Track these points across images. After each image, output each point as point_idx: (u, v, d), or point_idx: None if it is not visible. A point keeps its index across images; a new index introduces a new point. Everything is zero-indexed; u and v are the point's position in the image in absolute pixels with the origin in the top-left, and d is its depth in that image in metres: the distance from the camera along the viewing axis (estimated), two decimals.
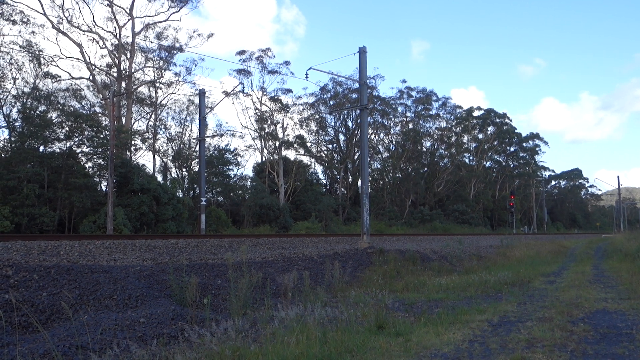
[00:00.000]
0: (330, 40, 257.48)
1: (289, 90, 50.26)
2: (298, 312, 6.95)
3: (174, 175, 42.53)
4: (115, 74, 38.22)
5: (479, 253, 21.04)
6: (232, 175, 44.98)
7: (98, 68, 38.44)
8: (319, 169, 59.40)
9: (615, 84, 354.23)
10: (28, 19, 34.00)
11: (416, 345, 5.67)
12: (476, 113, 70.53)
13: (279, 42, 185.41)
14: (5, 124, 29.50)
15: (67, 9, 39.11)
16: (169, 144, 44.09)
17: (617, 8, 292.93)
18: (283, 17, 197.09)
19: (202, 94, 30.42)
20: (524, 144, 79.63)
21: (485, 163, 74.89)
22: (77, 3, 40.70)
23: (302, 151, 54.98)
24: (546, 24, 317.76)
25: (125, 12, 37.78)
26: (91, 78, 37.97)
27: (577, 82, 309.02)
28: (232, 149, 45.96)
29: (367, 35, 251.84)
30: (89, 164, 31.59)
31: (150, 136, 42.18)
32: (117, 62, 37.94)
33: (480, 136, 72.49)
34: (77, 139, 30.03)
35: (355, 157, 55.94)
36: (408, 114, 63.91)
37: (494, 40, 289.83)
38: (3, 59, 31.75)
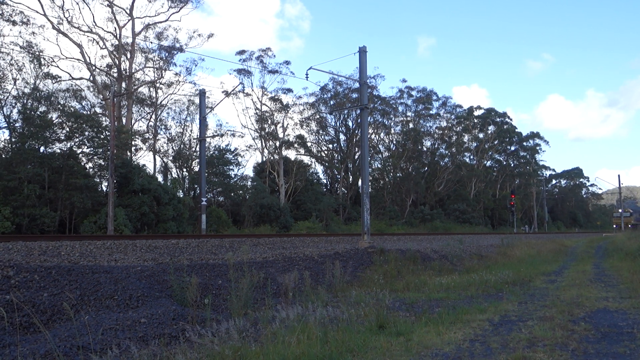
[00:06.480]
0: (335, 36, 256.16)
1: (290, 90, 50.36)
2: (299, 312, 6.95)
3: (174, 175, 42.57)
4: (115, 75, 38.23)
5: (480, 252, 21.01)
6: (233, 175, 45.05)
7: (98, 68, 38.48)
8: (319, 168, 59.45)
9: (622, 81, 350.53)
10: (28, 20, 34.03)
11: (417, 345, 5.67)
12: (477, 112, 70.61)
13: (283, 38, 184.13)
14: (6, 125, 29.53)
15: (67, 10, 39.10)
16: (170, 144, 44.15)
17: (626, 3, 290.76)
18: (287, 12, 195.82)
19: (202, 94, 30.45)
20: (525, 143, 79.67)
21: (485, 162, 74.89)
22: (77, 3, 40.70)
23: (302, 151, 55.02)
24: (555, 18, 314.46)
25: (125, 12, 37.81)
26: (91, 78, 37.98)
27: (584, 78, 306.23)
28: (232, 149, 46.03)
29: (373, 31, 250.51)
30: (90, 164, 31.60)
31: (151, 136, 42.22)
32: (117, 62, 37.95)
33: (481, 135, 72.53)
34: (77, 140, 30.03)
35: (356, 156, 55.92)
36: (408, 114, 63.87)
37: (501, 36, 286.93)
38: (3, 59, 31.76)
